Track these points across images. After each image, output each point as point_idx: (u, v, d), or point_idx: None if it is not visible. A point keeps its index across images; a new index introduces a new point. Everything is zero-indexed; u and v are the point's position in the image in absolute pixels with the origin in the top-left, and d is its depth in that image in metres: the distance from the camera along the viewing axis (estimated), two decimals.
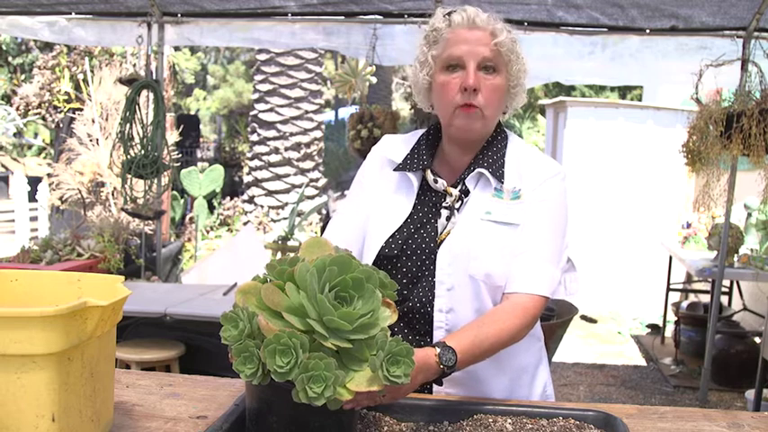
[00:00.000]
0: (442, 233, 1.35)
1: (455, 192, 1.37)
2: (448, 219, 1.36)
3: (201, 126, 14.17)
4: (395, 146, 1.47)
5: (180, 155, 8.92)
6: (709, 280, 4.45)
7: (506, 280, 1.31)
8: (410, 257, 1.35)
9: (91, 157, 7.22)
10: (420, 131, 1.49)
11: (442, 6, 1.38)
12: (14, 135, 12.75)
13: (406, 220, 1.38)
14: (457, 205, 1.37)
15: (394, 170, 1.42)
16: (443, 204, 1.37)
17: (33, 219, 9.33)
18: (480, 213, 1.33)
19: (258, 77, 10.37)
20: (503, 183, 1.34)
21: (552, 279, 1.32)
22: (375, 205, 1.42)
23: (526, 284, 1.30)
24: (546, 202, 1.34)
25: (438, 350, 1.13)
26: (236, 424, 1.05)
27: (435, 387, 1.31)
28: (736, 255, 4.36)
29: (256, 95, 10.45)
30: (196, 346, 3.24)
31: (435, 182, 1.38)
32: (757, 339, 4.35)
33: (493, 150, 1.38)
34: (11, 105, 10.52)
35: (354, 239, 1.42)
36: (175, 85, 11.96)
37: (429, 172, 1.39)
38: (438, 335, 1.31)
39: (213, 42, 4.30)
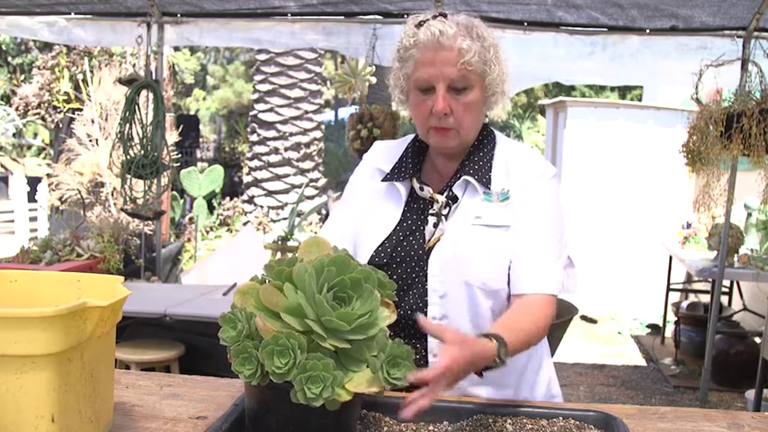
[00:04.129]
0: (429, 240, 1.35)
1: (441, 198, 1.36)
2: (435, 225, 1.36)
3: (201, 126, 14.17)
4: (384, 154, 1.47)
5: (179, 155, 8.91)
6: (710, 280, 4.44)
7: (511, 282, 1.31)
8: (400, 265, 1.35)
9: (90, 157, 7.22)
10: (411, 136, 1.49)
11: (414, 14, 1.35)
12: (14, 135, 12.74)
13: (395, 228, 1.38)
14: (444, 212, 1.36)
15: (382, 180, 1.42)
16: (430, 211, 1.38)
17: (33, 219, 9.33)
18: (470, 219, 1.33)
19: (258, 77, 10.37)
20: (489, 188, 1.34)
21: (559, 277, 1.33)
22: (365, 215, 1.43)
23: (538, 285, 1.29)
24: (540, 202, 1.34)
25: (496, 344, 1.10)
26: (236, 424, 1.05)
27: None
28: (736, 255, 4.36)
29: (256, 95, 10.45)
30: (196, 346, 3.24)
31: (421, 189, 1.38)
32: (757, 339, 4.35)
33: (479, 155, 1.38)
34: (10, 105, 10.52)
35: (346, 244, 1.42)
36: (175, 85, 11.96)
37: (415, 180, 1.40)
38: (433, 341, 1.30)
39: (213, 42, 4.29)
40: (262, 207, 10.28)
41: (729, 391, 4.25)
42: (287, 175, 10.32)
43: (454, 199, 1.36)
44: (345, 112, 14.12)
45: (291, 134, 10.22)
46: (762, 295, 4.40)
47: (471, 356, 1.05)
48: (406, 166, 1.41)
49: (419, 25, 1.31)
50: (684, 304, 5.24)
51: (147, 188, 3.93)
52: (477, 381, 1.24)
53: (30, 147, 14.11)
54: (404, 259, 1.35)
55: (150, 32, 3.94)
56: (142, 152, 3.82)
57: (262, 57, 10.22)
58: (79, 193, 6.81)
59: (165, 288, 3.86)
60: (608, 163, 6.55)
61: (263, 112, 10.24)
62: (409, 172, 1.40)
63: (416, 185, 1.39)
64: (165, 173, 3.97)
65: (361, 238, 1.42)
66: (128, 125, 3.81)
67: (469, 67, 1.28)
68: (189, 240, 8.42)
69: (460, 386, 1.27)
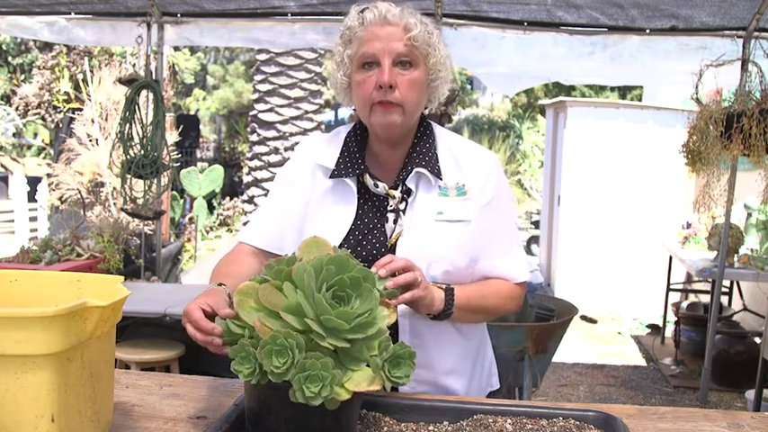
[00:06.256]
0: (391, 237, 1.34)
1: (397, 194, 1.35)
2: (395, 222, 1.35)
3: (201, 126, 14.16)
4: (323, 149, 1.42)
5: (180, 155, 8.92)
6: (710, 280, 4.44)
7: (485, 273, 1.38)
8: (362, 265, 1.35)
9: (90, 157, 7.22)
10: (342, 129, 1.46)
11: (357, 4, 1.35)
12: (14, 135, 12.75)
13: (351, 227, 1.35)
14: (401, 207, 1.36)
15: (330, 177, 1.37)
16: (389, 208, 1.36)
17: (33, 219, 9.33)
18: (432, 214, 1.34)
19: (258, 77, 10.36)
20: (442, 179, 1.36)
21: (525, 260, 1.45)
22: (312, 216, 1.38)
23: (512, 274, 1.40)
24: (500, 197, 1.39)
25: (445, 290, 1.28)
26: (236, 424, 1.05)
27: (401, 388, 1.30)
28: (736, 255, 4.36)
29: (256, 95, 10.45)
30: (196, 346, 3.22)
31: (376, 186, 1.36)
32: (757, 339, 4.35)
33: (426, 147, 1.38)
34: (10, 105, 10.52)
35: (279, 239, 1.40)
36: (175, 85, 11.95)
37: (368, 176, 1.36)
38: (404, 338, 1.32)
39: (213, 42, 4.29)
40: None
41: (729, 391, 4.25)
42: None
43: (408, 192, 1.36)
44: (345, 112, 14.13)
45: (291, 134, 10.21)
46: (762, 295, 4.40)
47: (427, 284, 1.22)
48: (352, 160, 1.37)
49: (363, 11, 1.32)
50: (684, 304, 5.24)
51: (147, 188, 3.93)
52: (446, 370, 1.37)
53: (30, 147, 14.12)
54: (365, 259, 1.31)
55: (150, 32, 3.93)
56: (142, 152, 3.82)
57: (262, 57, 10.22)
58: (79, 192, 6.81)
59: (165, 288, 3.86)
60: (608, 163, 6.55)
61: (263, 112, 10.24)
62: (359, 167, 1.37)
63: (370, 182, 1.36)
64: (165, 173, 3.97)
65: None
66: (128, 125, 3.81)
67: (415, 43, 1.29)
68: (189, 240, 8.42)
69: (433, 377, 1.36)
